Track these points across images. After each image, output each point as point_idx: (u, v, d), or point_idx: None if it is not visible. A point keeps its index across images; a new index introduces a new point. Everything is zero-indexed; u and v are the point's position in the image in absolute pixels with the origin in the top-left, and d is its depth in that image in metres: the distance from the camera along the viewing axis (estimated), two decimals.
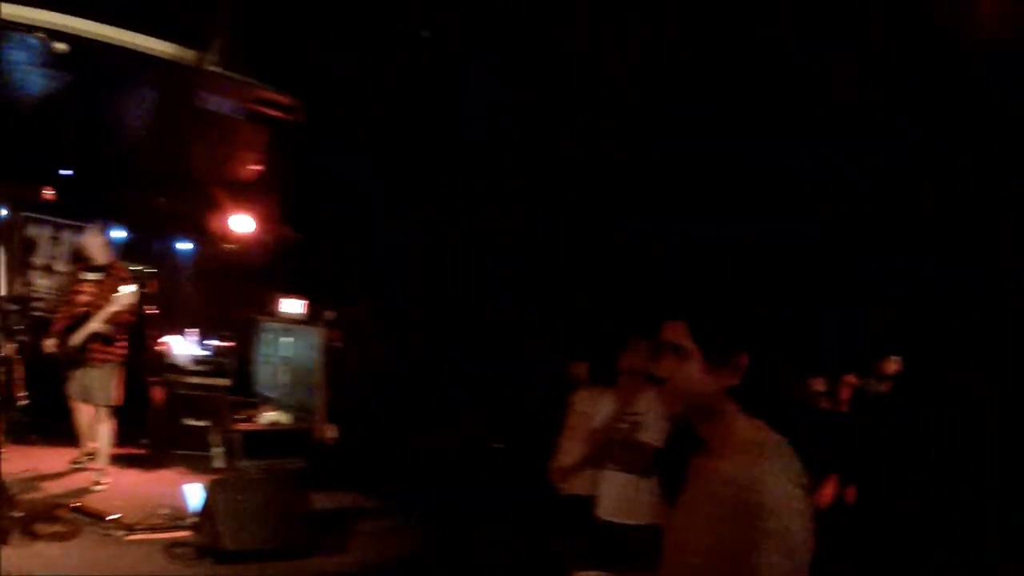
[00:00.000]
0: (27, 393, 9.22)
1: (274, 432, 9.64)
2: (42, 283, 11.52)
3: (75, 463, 8.32)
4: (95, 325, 7.80)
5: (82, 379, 8.00)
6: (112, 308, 7.75)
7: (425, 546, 6.99)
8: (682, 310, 2.37)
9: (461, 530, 7.17)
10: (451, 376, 8.95)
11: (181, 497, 7.83)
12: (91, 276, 8.11)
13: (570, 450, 6.06)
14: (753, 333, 2.36)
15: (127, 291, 7.79)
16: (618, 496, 5.23)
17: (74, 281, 8.32)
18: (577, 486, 5.90)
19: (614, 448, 5.28)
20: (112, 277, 8.05)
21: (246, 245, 11.62)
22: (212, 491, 6.37)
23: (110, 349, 8.01)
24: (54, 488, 7.64)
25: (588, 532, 5.33)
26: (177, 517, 7.04)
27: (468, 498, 7.73)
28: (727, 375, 2.34)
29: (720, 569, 2.26)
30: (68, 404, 8.24)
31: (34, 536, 6.26)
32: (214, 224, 11.48)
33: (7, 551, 5.82)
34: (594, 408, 5.88)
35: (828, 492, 7.11)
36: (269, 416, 9.86)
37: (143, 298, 8.51)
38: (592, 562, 4.74)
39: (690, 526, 2.39)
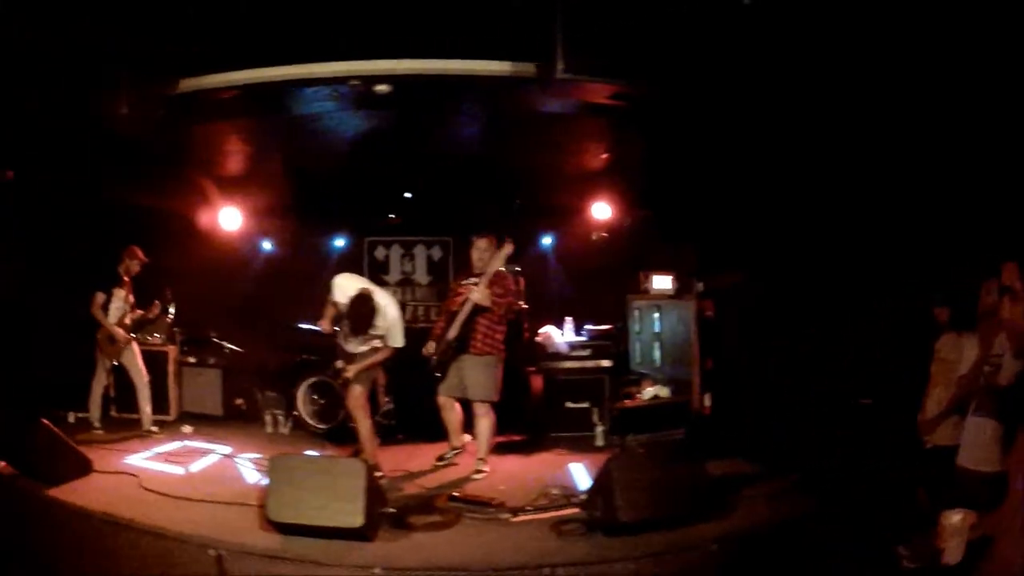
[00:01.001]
0: (391, 398, 9.62)
1: (654, 407, 9.60)
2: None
3: (441, 458, 8.29)
4: (462, 316, 7.91)
5: (460, 375, 8.04)
6: (469, 305, 7.90)
7: (804, 507, 6.57)
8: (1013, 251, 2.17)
9: (837, 489, 6.77)
10: (818, 334, 8.48)
11: (567, 476, 7.73)
12: (472, 281, 8.16)
13: (935, 398, 6.17)
14: None
15: (477, 290, 7.88)
16: (980, 443, 5.24)
17: (456, 287, 8.40)
18: (941, 436, 6.06)
19: (979, 394, 5.28)
20: (494, 280, 8.04)
21: (609, 230, 11.54)
22: (609, 466, 6.09)
23: (488, 341, 8.04)
24: (428, 483, 7.66)
25: (953, 483, 5.40)
26: (565, 496, 6.75)
27: (841, 456, 7.32)
28: None
29: None
30: (437, 403, 8.28)
31: (409, 528, 6.06)
32: (575, 215, 11.54)
33: (377, 545, 5.70)
34: (957, 354, 5.97)
35: None
36: (650, 391, 9.80)
37: (517, 295, 8.50)
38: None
39: None
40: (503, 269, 8.14)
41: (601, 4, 6.49)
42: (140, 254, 9.52)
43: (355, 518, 5.61)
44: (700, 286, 10.22)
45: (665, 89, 6.79)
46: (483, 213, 11.44)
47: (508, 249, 7.92)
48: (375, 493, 5.94)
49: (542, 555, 5.56)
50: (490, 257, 8.10)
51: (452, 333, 7.98)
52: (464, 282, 8.31)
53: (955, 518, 4.74)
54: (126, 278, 9.47)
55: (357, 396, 7.80)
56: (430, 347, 8.19)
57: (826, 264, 8.35)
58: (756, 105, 7.50)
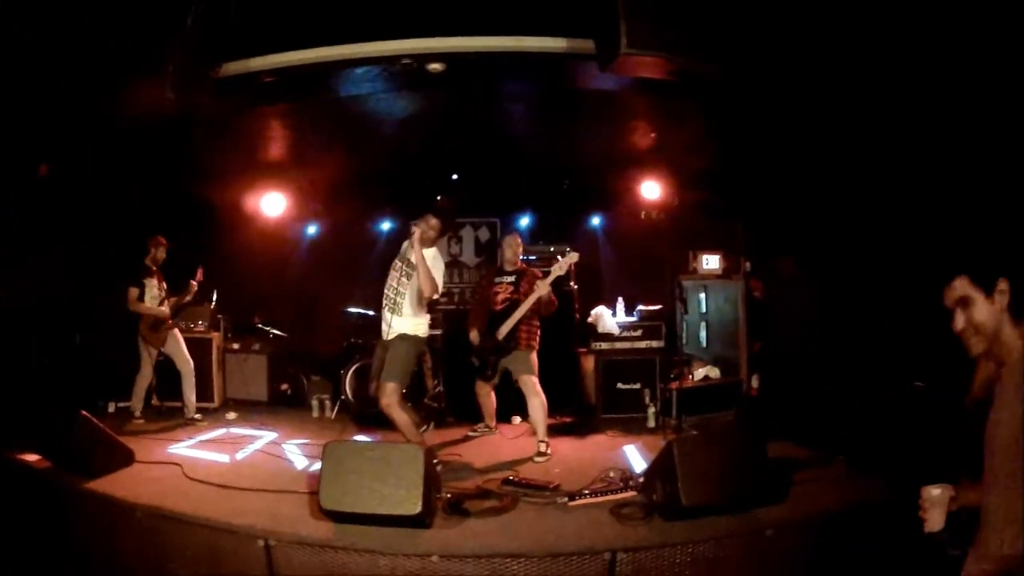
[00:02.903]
0: (439, 381, 9.60)
1: (706, 387, 9.45)
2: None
3: (472, 432, 8.83)
4: (519, 314, 8.06)
5: (502, 366, 8.28)
6: (533, 298, 8.01)
7: (854, 493, 6.45)
8: None
9: (885, 473, 6.66)
10: (871, 317, 8.36)
11: (622, 458, 7.63)
12: (507, 279, 8.44)
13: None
14: None
15: (545, 283, 7.97)
16: None
17: (490, 284, 8.58)
18: None
19: None
20: (528, 277, 8.37)
21: (658, 210, 11.36)
22: (671, 449, 5.86)
23: (534, 335, 8.24)
24: (481, 466, 7.53)
25: None
26: (623, 479, 6.60)
27: (896, 440, 7.20)
28: None
29: None
30: (476, 388, 8.64)
31: (465, 514, 5.93)
32: (624, 196, 11.38)
33: (434, 532, 5.59)
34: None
35: None
36: (700, 372, 9.71)
37: (566, 276, 8.61)
38: None
39: None
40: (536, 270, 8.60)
41: None
42: (163, 240, 9.54)
43: (413, 505, 5.48)
44: (748, 266, 10.07)
45: (727, 64, 6.58)
46: (531, 194, 11.39)
47: (574, 257, 8.18)
48: (432, 479, 5.83)
49: (602, 540, 5.45)
50: (514, 256, 8.56)
51: (505, 330, 8.12)
52: (498, 279, 8.51)
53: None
54: (154, 267, 9.49)
55: (390, 394, 7.13)
56: (475, 336, 8.43)
57: (879, 245, 8.22)
58: (813, 81, 7.32)
